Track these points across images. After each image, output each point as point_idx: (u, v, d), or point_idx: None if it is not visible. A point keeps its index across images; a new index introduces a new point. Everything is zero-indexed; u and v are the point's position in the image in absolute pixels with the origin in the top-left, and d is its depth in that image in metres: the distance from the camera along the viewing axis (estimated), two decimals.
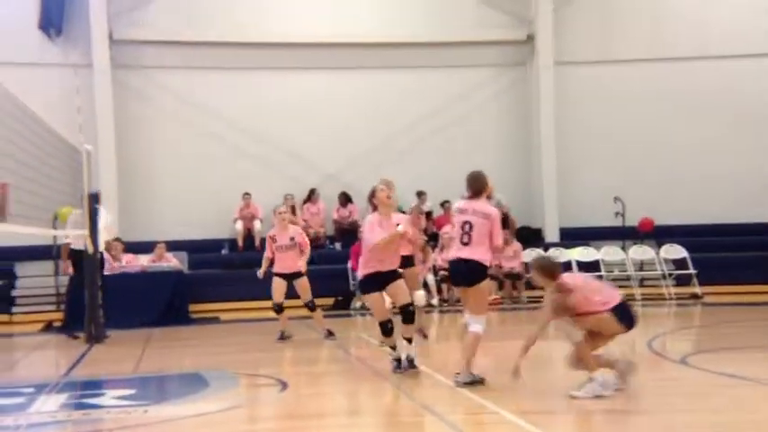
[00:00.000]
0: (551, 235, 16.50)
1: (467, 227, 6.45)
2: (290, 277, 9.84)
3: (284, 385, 6.99)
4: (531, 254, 15.05)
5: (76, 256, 11.18)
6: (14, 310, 13.83)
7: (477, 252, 6.41)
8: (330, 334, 9.97)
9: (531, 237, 15.95)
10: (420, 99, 16.56)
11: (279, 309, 9.93)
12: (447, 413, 5.55)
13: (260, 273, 10.01)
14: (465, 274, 6.47)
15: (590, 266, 14.83)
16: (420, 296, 9.40)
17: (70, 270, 11.39)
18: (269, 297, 10.00)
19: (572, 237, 16.14)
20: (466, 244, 6.43)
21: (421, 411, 5.84)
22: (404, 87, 16.56)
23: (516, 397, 6.14)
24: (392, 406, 6.33)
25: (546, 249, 15.33)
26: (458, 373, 6.50)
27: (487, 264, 6.56)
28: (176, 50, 15.88)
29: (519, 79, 17.12)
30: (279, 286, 9.87)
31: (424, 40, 16.55)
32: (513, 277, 14.54)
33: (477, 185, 6.59)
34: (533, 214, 16.78)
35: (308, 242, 10.22)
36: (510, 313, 13.47)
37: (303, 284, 9.88)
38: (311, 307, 9.98)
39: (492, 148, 16.84)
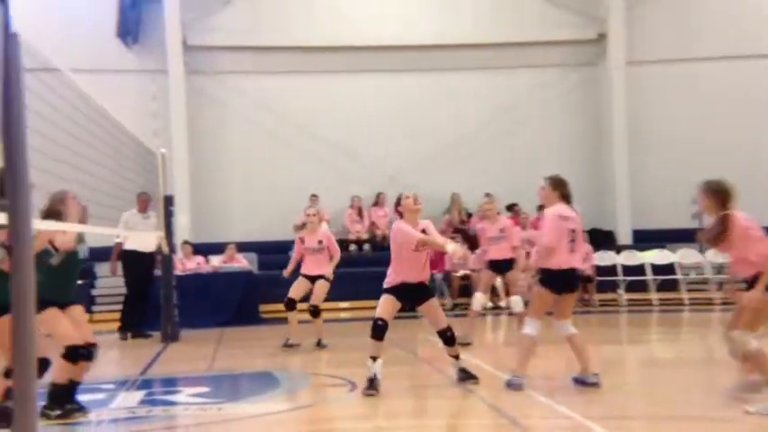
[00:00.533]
0: (624, 237, 16.15)
1: (572, 235, 6.44)
2: (315, 279, 9.54)
3: (353, 386, 7.02)
4: (602, 257, 14.81)
5: (127, 257, 11.48)
6: (94, 308, 14.26)
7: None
8: (320, 344, 9.53)
9: (602, 239, 15.63)
10: (487, 101, 16.45)
11: (291, 305, 9.44)
12: (520, 417, 5.47)
13: (285, 272, 9.77)
14: (572, 281, 6.54)
15: (665, 269, 14.46)
16: (517, 301, 9.30)
17: (119, 270, 11.67)
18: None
19: (646, 239, 15.74)
20: (573, 252, 6.45)
21: (492, 414, 5.79)
22: (470, 89, 16.47)
23: (590, 401, 6.03)
24: (462, 408, 6.29)
25: (618, 252, 15.02)
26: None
27: None
28: (248, 55, 16.18)
29: (588, 79, 16.82)
30: (299, 285, 9.54)
31: (491, 40, 16.43)
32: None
33: (567, 190, 6.61)
34: (604, 216, 16.44)
35: (338, 247, 9.83)
36: (580, 317, 13.21)
37: (321, 287, 9.48)
38: (314, 312, 9.47)
39: (560, 148, 16.60)
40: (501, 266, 9.47)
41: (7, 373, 5.67)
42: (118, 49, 15.56)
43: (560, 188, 6.56)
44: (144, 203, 11.41)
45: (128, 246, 11.46)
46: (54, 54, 6.01)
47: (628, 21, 16.41)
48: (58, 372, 5.95)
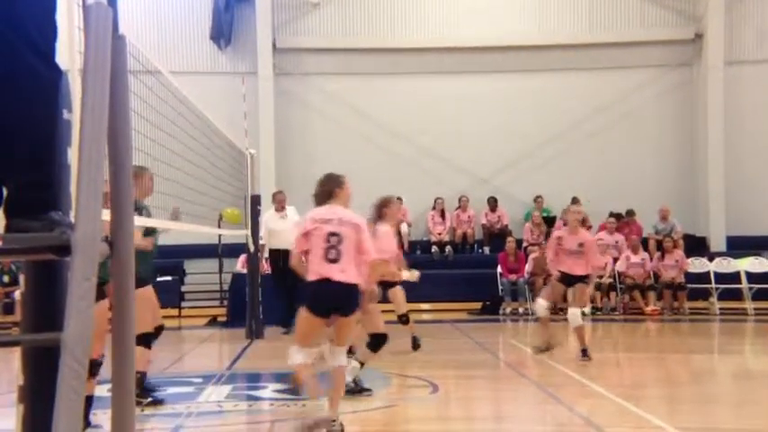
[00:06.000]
0: (717, 243, 15.54)
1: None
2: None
3: (435, 387, 7.01)
4: (694, 264, 14.32)
5: (271, 256, 11.68)
6: (183, 304, 14.70)
7: None
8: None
9: (694, 245, 15.09)
10: (578, 102, 16.07)
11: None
12: (607, 426, 5.34)
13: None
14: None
15: (761, 278, 13.84)
16: (575, 315, 8.54)
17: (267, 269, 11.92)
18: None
19: (741, 246, 15.12)
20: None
21: (577, 421, 5.67)
22: (562, 90, 16.12)
23: (681, 412, 5.84)
24: (545, 414, 6.18)
25: (711, 259, 14.49)
26: None
27: None
28: (335, 57, 16.34)
29: (683, 80, 16.26)
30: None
31: (583, 41, 16.07)
32: (675, 287, 13.81)
33: None
34: (697, 221, 15.87)
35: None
36: (670, 325, 12.83)
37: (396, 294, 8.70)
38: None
39: (652, 151, 16.11)
40: (571, 281, 8.60)
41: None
42: (211, 51, 16.01)
43: None
44: (281, 203, 11.68)
45: (272, 245, 11.59)
46: (151, 56, 6.23)
47: (727, 19, 15.78)
48: (139, 359, 6.16)
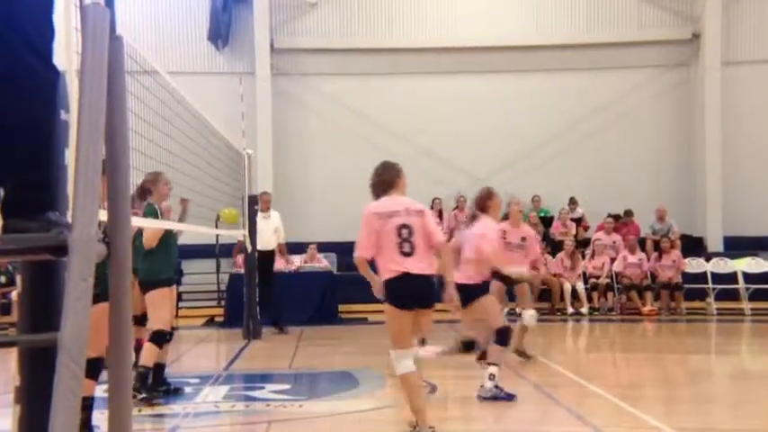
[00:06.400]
0: (714, 244, 15.57)
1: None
2: None
3: (433, 388, 7.01)
4: (691, 264, 14.34)
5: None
6: (180, 304, 14.65)
7: None
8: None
9: (691, 246, 15.12)
10: (575, 103, 16.09)
11: None
12: (604, 426, 5.35)
13: None
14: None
15: (758, 279, 13.87)
16: (531, 316, 8.54)
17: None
18: None
19: (738, 246, 15.15)
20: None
21: (574, 421, 5.68)
22: (557, 91, 16.16)
23: (677, 412, 5.85)
24: (545, 415, 6.19)
25: (708, 259, 14.51)
26: None
27: None
28: (332, 57, 16.34)
29: (680, 80, 16.28)
30: None
31: (580, 41, 16.09)
32: (672, 287, 13.83)
33: None
34: (694, 222, 15.90)
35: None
36: (667, 325, 12.84)
37: None
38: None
39: (649, 152, 16.14)
40: (511, 278, 8.49)
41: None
42: (208, 51, 16.00)
43: None
44: (266, 203, 11.69)
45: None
46: (148, 57, 6.23)
47: (724, 19, 15.81)
48: (147, 355, 6.17)
